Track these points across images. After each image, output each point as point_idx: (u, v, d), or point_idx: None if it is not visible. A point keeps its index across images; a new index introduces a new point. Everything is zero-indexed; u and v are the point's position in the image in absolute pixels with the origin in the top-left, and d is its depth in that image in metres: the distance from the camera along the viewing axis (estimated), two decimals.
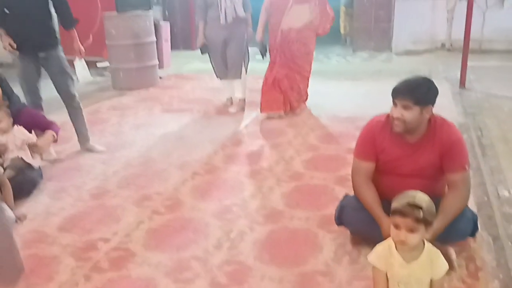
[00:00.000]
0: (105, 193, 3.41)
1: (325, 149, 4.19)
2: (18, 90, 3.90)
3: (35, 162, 3.52)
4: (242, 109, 5.42)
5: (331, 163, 3.85)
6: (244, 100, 5.48)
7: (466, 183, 2.43)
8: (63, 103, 4.13)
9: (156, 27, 7.19)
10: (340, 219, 2.66)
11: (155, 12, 8.21)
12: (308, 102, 5.35)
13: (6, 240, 2.40)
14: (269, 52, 5.13)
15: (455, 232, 2.40)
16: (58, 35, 3.97)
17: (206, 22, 5.21)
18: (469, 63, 6.07)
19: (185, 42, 9.77)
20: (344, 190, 3.20)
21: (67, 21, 3.97)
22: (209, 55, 5.39)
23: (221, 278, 2.41)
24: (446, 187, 2.49)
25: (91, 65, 6.36)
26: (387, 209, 2.06)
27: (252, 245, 2.68)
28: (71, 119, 4.19)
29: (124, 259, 2.59)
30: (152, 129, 4.87)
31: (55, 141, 3.67)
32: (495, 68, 7.29)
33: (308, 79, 5.24)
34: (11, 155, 3.37)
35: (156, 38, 6.99)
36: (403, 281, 1.88)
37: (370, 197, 2.48)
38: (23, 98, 3.90)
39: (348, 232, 2.70)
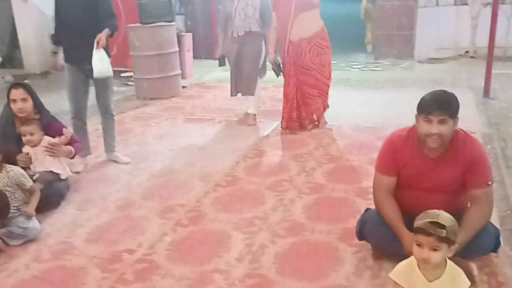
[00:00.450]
0: (130, 204, 3.49)
1: (346, 160, 4.20)
2: (46, 101, 3.96)
3: (64, 172, 3.61)
4: (254, 123, 5.32)
5: (352, 175, 3.86)
6: (255, 115, 5.37)
7: (489, 199, 2.42)
8: (97, 112, 4.31)
9: (179, 38, 7.31)
10: (361, 234, 2.67)
11: (178, 22, 8.35)
12: (329, 111, 5.30)
13: None
14: (282, 66, 4.99)
15: (477, 248, 2.39)
16: (108, 49, 3.99)
17: (225, 34, 5.23)
18: (493, 71, 6.00)
19: (206, 51, 9.88)
20: (365, 203, 3.22)
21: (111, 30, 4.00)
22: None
23: None
24: (469, 202, 2.48)
25: (116, 74, 6.48)
26: (409, 224, 2.07)
27: (273, 258, 2.71)
28: (102, 127, 4.36)
29: (148, 271, 2.65)
30: (175, 139, 4.95)
31: (71, 157, 3.70)
32: None
33: (327, 93, 5.08)
34: (38, 168, 3.46)
35: (179, 48, 7.11)
36: None
37: (392, 212, 2.48)
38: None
39: (369, 246, 2.70)
